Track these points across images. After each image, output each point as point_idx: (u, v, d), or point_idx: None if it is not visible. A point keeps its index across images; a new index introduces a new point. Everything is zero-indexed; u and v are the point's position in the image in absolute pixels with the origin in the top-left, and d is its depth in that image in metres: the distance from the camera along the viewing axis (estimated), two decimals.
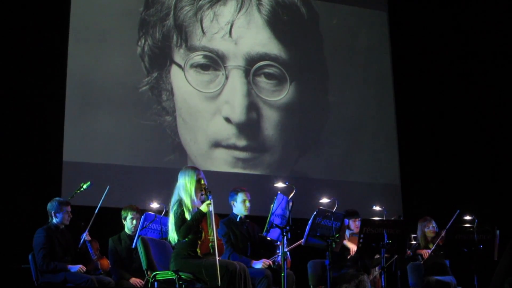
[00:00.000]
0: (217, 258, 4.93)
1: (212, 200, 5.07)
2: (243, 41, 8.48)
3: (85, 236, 5.97)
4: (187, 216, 5.05)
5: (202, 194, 5.11)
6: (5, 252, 6.60)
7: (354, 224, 6.56)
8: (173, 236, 5.14)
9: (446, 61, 9.54)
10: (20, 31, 7.41)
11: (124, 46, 7.97)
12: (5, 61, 7.28)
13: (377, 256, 6.34)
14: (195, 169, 5.24)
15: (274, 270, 5.77)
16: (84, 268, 5.70)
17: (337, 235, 5.71)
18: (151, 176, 7.61)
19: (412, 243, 6.91)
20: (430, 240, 6.85)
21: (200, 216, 5.02)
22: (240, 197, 5.98)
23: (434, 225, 6.89)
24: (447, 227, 6.58)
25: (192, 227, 5.02)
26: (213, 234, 5.02)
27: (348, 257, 6.33)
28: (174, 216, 5.10)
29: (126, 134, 7.73)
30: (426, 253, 6.66)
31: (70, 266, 5.65)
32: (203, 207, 5.04)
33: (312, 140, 8.71)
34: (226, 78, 8.32)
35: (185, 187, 5.15)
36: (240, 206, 5.97)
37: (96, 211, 6.05)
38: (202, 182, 5.18)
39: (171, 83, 8.11)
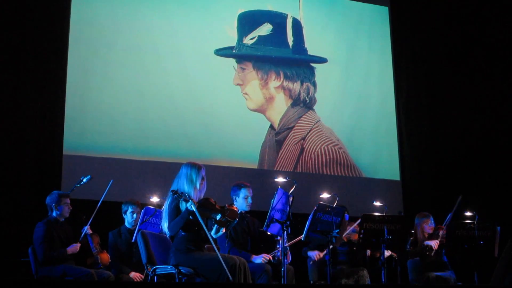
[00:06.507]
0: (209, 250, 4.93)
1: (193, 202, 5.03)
2: None
3: (86, 229, 5.97)
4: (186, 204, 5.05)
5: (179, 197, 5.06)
6: (5, 245, 6.60)
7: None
8: (164, 224, 5.16)
9: (448, 56, 9.51)
10: (21, 22, 7.38)
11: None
12: (6, 52, 7.26)
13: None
14: (201, 166, 5.25)
15: (274, 265, 5.77)
16: (78, 246, 5.72)
17: (337, 230, 5.70)
18: (151, 170, 7.58)
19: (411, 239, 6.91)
20: (427, 236, 6.83)
21: (187, 214, 4.99)
22: (243, 192, 5.96)
23: (432, 221, 6.88)
24: (451, 214, 6.64)
25: (180, 223, 5.01)
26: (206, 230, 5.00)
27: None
28: (168, 208, 5.10)
29: (126, 128, 7.69)
30: (436, 244, 6.65)
31: (68, 248, 5.70)
32: (190, 206, 4.98)
33: (313, 136, 8.69)
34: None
35: (190, 178, 5.14)
36: (241, 202, 5.96)
37: (98, 205, 6.05)
38: (202, 180, 5.17)
39: None
